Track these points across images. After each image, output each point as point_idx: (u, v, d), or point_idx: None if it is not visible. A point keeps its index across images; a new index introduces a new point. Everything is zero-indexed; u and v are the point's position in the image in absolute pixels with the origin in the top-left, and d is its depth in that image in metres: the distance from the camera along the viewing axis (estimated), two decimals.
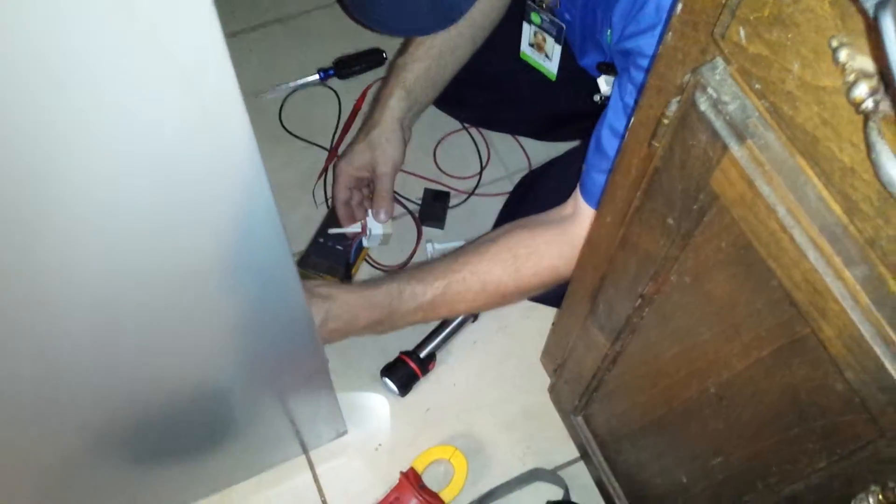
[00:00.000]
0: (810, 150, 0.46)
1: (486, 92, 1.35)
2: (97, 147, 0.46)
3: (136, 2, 0.38)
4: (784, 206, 0.49)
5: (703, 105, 0.51)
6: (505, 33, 1.23)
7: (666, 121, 0.56)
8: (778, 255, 0.50)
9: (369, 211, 1.22)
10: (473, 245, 1.02)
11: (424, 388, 1.19)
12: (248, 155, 0.52)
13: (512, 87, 1.32)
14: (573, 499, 1.10)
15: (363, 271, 1.28)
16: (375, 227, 1.21)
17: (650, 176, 0.60)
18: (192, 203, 0.54)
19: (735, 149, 0.50)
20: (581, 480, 1.11)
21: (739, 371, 0.62)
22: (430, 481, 1.10)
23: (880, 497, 0.51)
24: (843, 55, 0.39)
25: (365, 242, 1.24)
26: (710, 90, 0.50)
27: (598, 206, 0.76)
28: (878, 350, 0.46)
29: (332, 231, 1.23)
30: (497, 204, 1.33)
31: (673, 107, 0.55)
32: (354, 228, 1.22)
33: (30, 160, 0.45)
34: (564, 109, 1.33)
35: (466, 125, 1.43)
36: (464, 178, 1.39)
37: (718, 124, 0.51)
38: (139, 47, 0.41)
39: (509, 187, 1.35)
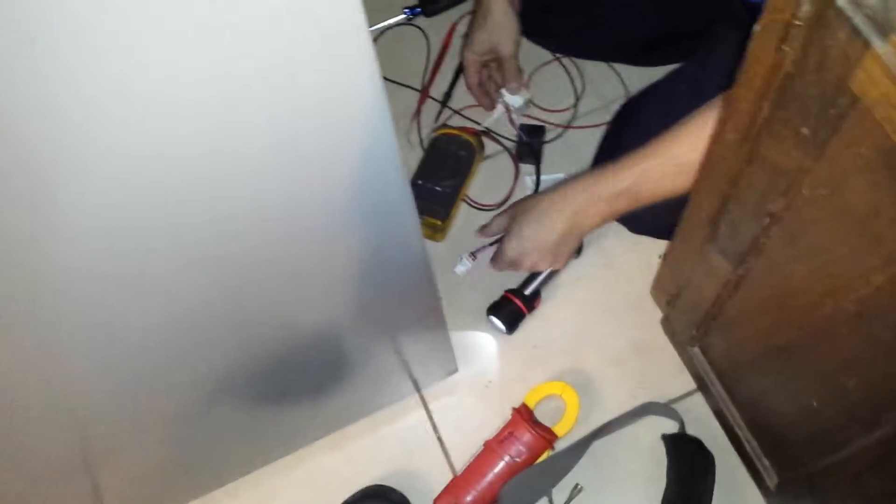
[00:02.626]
0: None
1: (574, 16, 1.31)
2: (226, 82, 0.47)
3: None
4: None
5: (841, 1, 0.48)
6: None
7: (798, 22, 0.53)
8: None
9: (503, 91, 1.33)
10: (668, 131, 1.00)
11: (531, 325, 1.19)
12: (371, 85, 0.52)
13: (600, 10, 1.28)
14: (689, 431, 1.08)
15: (462, 212, 1.28)
16: (514, 99, 1.32)
17: (780, 83, 0.57)
18: (315, 137, 0.55)
19: (878, 45, 0.47)
20: (696, 413, 1.10)
21: (880, 285, 0.59)
22: (541, 416, 1.11)
23: None
24: None
25: (513, 115, 1.34)
26: None
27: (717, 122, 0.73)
28: None
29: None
30: (595, 136, 1.30)
31: (805, 6, 0.52)
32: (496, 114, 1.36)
33: (152, 90, 0.45)
34: (656, 31, 1.29)
35: (558, 55, 1.40)
36: (559, 111, 1.36)
37: (858, 20, 0.48)
38: None
39: (607, 118, 1.32)
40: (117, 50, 0.41)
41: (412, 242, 0.76)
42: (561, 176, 1.28)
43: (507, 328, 1.17)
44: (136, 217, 0.53)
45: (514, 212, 1.14)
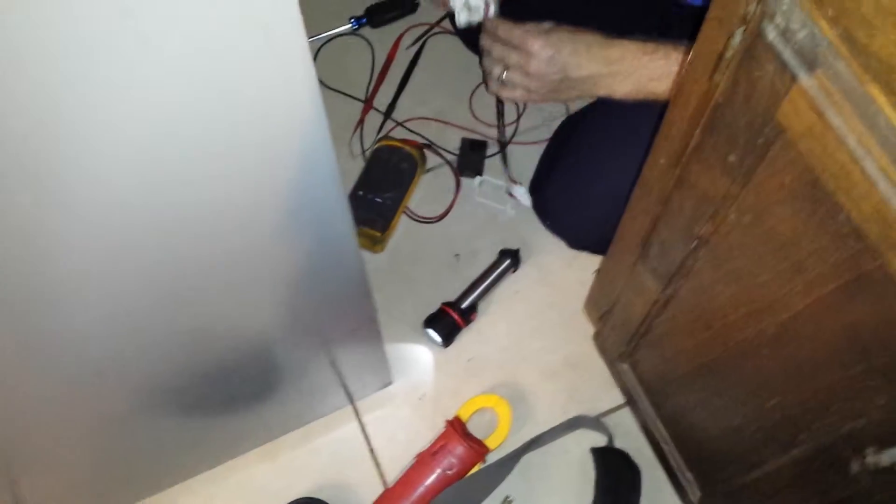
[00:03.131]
0: (884, 77, 0.45)
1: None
2: (158, 86, 0.46)
3: None
4: (854, 137, 0.48)
5: (771, 34, 0.50)
6: None
7: (729, 53, 0.55)
8: (847, 188, 0.49)
9: None
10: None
11: (467, 338, 1.20)
12: (308, 92, 0.52)
13: (557, 16, 1.29)
14: (617, 445, 1.10)
15: (401, 224, 1.29)
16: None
17: (711, 112, 0.59)
18: (251, 145, 0.54)
19: (804, 79, 0.49)
20: (625, 427, 1.12)
21: (800, 310, 0.61)
22: (474, 429, 1.11)
23: None
24: None
25: (462, 19, 1.08)
26: (778, 19, 0.49)
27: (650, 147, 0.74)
28: None
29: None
30: (535, 152, 1.32)
31: (737, 38, 0.54)
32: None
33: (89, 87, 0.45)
34: None
35: None
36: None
37: (787, 54, 0.50)
38: None
39: (547, 135, 1.34)
40: (42, 48, 0.40)
41: (349, 254, 0.76)
42: (502, 183, 1.29)
43: (443, 341, 1.17)
44: (68, 220, 0.52)
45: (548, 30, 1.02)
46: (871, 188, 0.47)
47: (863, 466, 0.61)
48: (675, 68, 0.92)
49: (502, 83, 1.04)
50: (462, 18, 1.08)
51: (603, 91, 1.00)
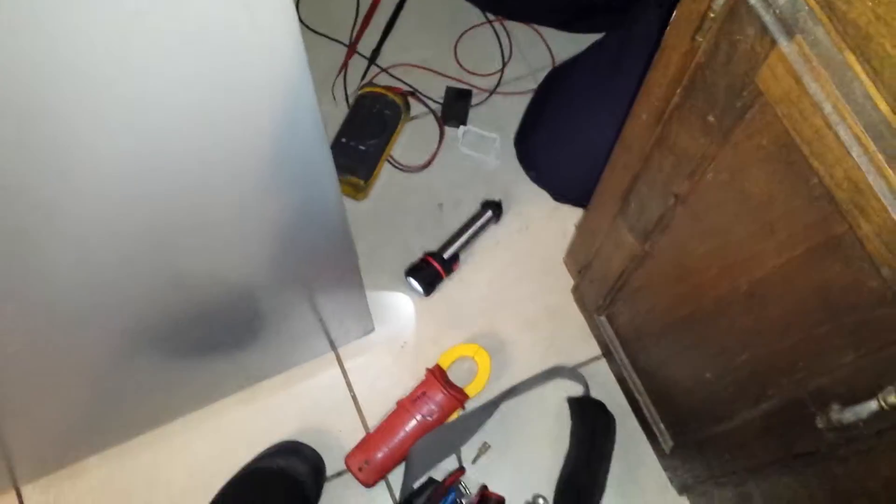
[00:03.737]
0: (861, 46, 0.46)
1: None
2: (140, 31, 0.46)
3: None
4: (830, 103, 0.48)
5: None
6: None
7: (712, 14, 0.55)
8: (821, 153, 0.50)
9: None
10: None
11: (448, 287, 1.21)
12: (290, 40, 0.52)
13: None
14: (593, 395, 1.13)
15: (384, 172, 1.28)
16: None
17: (692, 72, 0.60)
18: (234, 93, 0.54)
19: (784, 44, 0.50)
20: (601, 378, 1.14)
21: (772, 269, 0.63)
22: (454, 377, 1.13)
23: None
24: None
25: None
26: None
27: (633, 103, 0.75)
28: None
29: None
30: (520, 102, 1.32)
31: (720, 0, 0.54)
32: None
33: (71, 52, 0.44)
34: None
35: (489, 17, 1.40)
36: (485, 75, 1.37)
37: (768, 18, 0.50)
38: None
39: (532, 85, 1.34)
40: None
41: (331, 202, 0.76)
42: (492, 134, 1.29)
43: (424, 290, 1.18)
44: (56, 165, 0.52)
45: None
46: (843, 154, 0.48)
47: (827, 422, 0.63)
48: None
49: None
50: None
51: None
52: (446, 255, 1.19)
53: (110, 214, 0.61)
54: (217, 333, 0.94)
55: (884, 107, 0.46)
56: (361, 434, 1.10)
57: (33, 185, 0.53)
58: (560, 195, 1.24)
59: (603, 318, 1.07)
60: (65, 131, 0.50)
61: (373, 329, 1.17)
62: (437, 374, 1.09)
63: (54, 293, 0.67)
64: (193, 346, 0.94)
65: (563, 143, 1.16)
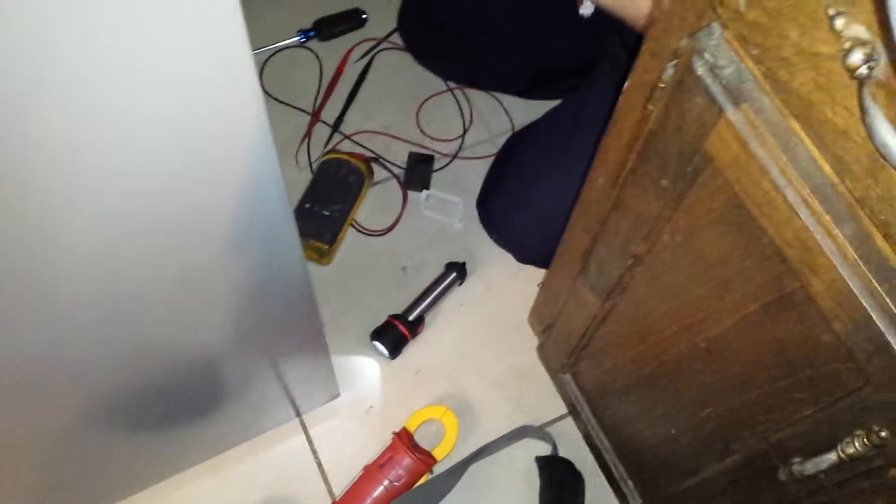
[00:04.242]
0: (804, 113, 0.48)
1: (467, 40, 1.34)
2: (104, 103, 0.46)
3: None
4: (777, 167, 0.51)
5: (700, 69, 0.53)
6: None
7: (662, 85, 0.58)
8: (770, 214, 0.52)
9: None
10: None
11: (414, 350, 1.21)
12: (254, 112, 0.53)
13: (505, 31, 1.31)
14: (561, 454, 1.13)
15: (348, 237, 1.30)
16: None
17: (645, 139, 0.62)
18: (196, 160, 0.54)
19: (730, 112, 0.52)
20: (569, 436, 1.15)
21: (729, 326, 0.64)
22: (421, 440, 1.13)
23: (865, 440, 0.54)
24: (839, 23, 0.41)
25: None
26: (706, 55, 0.52)
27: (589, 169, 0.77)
28: (865, 302, 0.48)
29: None
30: (481, 166, 1.34)
31: (669, 71, 0.57)
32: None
33: (34, 111, 0.44)
34: (555, 63, 1.34)
35: (450, 84, 1.44)
36: (447, 140, 1.40)
37: (715, 88, 0.53)
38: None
39: (493, 150, 1.37)
40: None
41: (295, 268, 0.76)
42: (454, 198, 1.31)
43: (390, 353, 1.18)
44: (15, 232, 0.52)
45: None
46: (792, 215, 0.50)
47: (790, 474, 0.64)
48: None
49: None
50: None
51: None
52: (411, 318, 1.20)
53: (67, 282, 0.60)
54: (179, 403, 0.92)
55: (828, 169, 0.49)
56: (328, 502, 1.09)
57: None
58: (523, 256, 1.26)
59: (568, 377, 1.08)
60: (24, 191, 0.50)
61: (338, 394, 1.16)
62: (404, 438, 1.09)
63: (8, 363, 0.66)
64: (154, 417, 0.93)
65: (523, 206, 1.18)
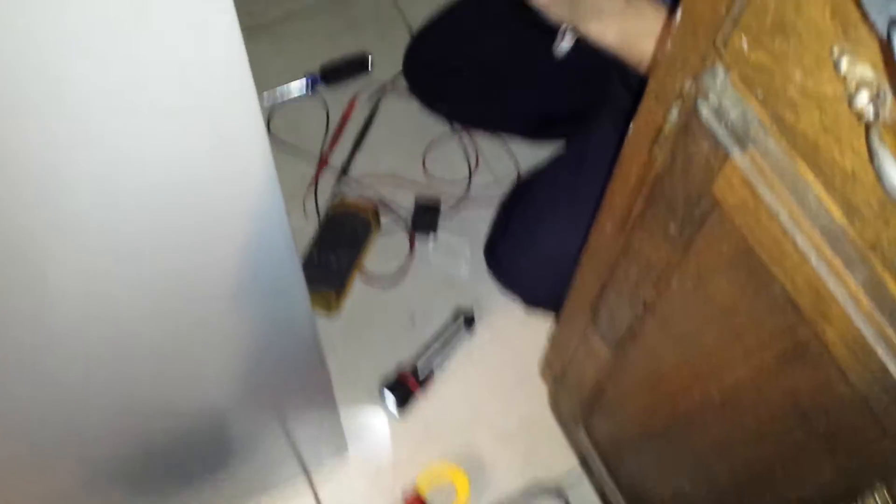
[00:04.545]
0: (811, 155, 0.47)
1: (473, 83, 1.34)
2: (113, 158, 0.46)
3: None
4: (786, 211, 0.49)
5: (705, 112, 0.52)
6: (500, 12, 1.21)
7: (667, 128, 0.57)
8: (780, 260, 0.51)
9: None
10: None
11: (423, 403, 1.19)
12: (263, 166, 0.52)
13: (509, 73, 1.31)
14: None
15: (356, 285, 1.28)
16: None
17: (651, 183, 0.61)
18: (203, 211, 0.54)
19: (737, 155, 0.51)
20: (582, 490, 1.12)
21: (742, 376, 0.62)
22: (432, 498, 1.10)
23: (886, 494, 0.52)
24: (844, 64, 0.40)
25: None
26: (711, 97, 0.51)
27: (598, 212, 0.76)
28: (881, 352, 0.46)
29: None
30: (488, 210, 1.33)
31: (674, 114, 0.56)
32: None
33: (36, 165, 0.44)
34: (560, 104, 1.33)
35: (456, 127, 1.44)
36: (453, 183, 1.39)
37: (720, 132, 0.52)
38: (157, 57, 0.41)
39: (499, 192, 1.36)
40: None
41: (302, 320, 0.75)
42: (462, 244, 1.30)
43: (399, 406, 1.17)
44: (16, 290, 0.51)
45: None
46: (802, 261, 0.49)
47: None
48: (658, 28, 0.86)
49: None
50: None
51: (594, 28, 0.90)
52: (419, 370, 1.18)
53: (66, 341, 0.59)
54: (183, 462, 0.91)
55: (837, 213, 0.47)
56: None
57: None
58: (531, 302, 1.24)
59: (580, 429, 1.05)
60: (26, 250, 0.49)
61: (346, 449, 1.14)
62: (415, 503, 1.06)
63: (4, 428, 0.65)
64: (158, 476, 0.91)
65: (530, 252, 1.17)
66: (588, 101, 1.19)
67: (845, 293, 0.47)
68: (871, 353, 0.47)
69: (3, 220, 0.46)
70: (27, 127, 0.41)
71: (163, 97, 0.44)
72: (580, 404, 0.99)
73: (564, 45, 0.96)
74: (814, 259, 0.48)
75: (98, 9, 0.37)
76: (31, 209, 0.46)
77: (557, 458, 1.15)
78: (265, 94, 1.46)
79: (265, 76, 1.48)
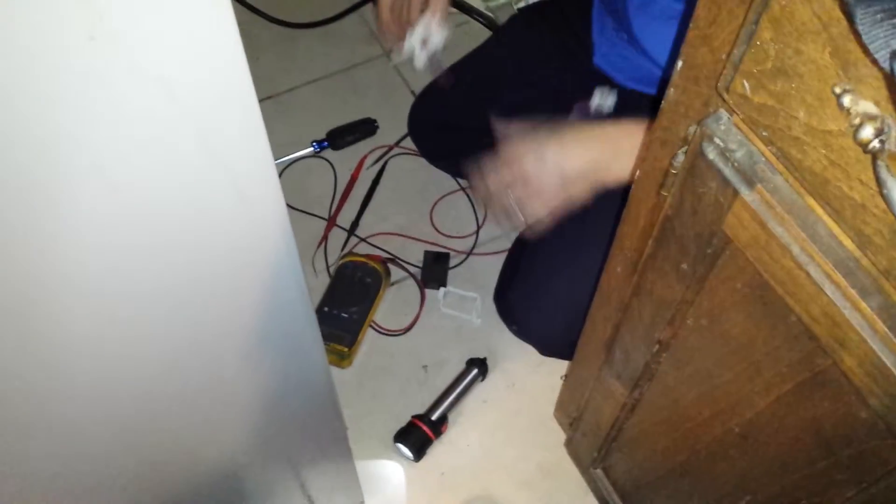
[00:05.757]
0: (819, 190, 0.49)
1: (480, 138, 1.36)
2: (131, 222, 0.47)
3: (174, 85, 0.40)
4: (797, 245, 0.51)
5: (711, 154, 0.54)
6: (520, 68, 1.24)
7: (674, 171, 0.59)
8: (795, 292, 0.52)
9: (422, 22, 1.05)
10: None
11: (438, 450, 1.19)
12: (279, 226, 0.54)
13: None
14: None
15: (368, 338, 1.29)
16: (436, 34, 1.05)
17: (661, 224, 0.63)
18: (219, 270, 0.55)
19: (745, 193, 0.53)
20: None
21: (762, 409, 0.63)
22: None
23: None
24: (847, 101, 0.42)
25: (432, 54, 1.06)
26: (716, 140, 0.53)
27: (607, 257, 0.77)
28: None
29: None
30: (496, 261, 1.35)
31: (680, 157, 0.58)
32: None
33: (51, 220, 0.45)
34: None
35: (462, 183, 1.46)
36: (462, 237, 1.41)
37: (727, 171, 0.53)
38: (177, 125, 0.43)
39: (507, 244, 1.38)
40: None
41: (317, 373, 0.76)
42: (472, 294, 1.31)
43: (414, 455, 1.16)
44: (26, 349, 0.52)
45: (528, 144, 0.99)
46: (817, 292, 0.50)
47: None
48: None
49: (518, 211, 0.99)
50: (421, 60, 1.04)
51: (613, 175, 0.93)
52: (434, 418, 1.18)
53: (80, 399, 0.59)
54: None
55: (849, 244, 0.49)
56: None
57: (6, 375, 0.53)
58: (544, 348, 1.24)
59: (599, 471, 1.05)
60: (38, 314, 0.50)
61: (362, 499, 1.14)
62: None
63: (21, 486, 0.65)
64: None
65: (541, 296, 1.18)
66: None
67: (861, 319, 0.49)
68: (889, 376, 0.48)
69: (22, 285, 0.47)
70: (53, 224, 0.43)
71: (183, 158, 0.46)
72: (598, 446, 0.99)
73: (608, 101, 0.98)
74: (828, 289, 0.50)
75: (133, 89, 0.39)
76: (45, 280, 0.48)
77: (577, 502, 1.14)
78: (275, 160, 1.48)
79: (275, 143, 1.48)
